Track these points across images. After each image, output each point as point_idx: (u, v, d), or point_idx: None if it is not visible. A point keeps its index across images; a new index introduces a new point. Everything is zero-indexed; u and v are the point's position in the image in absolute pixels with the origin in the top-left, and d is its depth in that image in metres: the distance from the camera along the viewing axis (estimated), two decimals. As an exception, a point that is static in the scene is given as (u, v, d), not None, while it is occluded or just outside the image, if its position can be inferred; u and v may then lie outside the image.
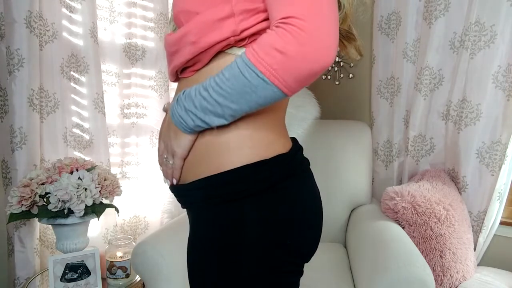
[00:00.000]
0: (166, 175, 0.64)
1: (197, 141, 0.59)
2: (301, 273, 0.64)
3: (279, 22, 0.48)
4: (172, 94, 1.77)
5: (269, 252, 0.56)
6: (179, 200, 0.66)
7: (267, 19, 0.55)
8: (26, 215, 1.13)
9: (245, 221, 0.56)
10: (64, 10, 1.33)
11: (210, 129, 0.56)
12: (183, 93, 0.56)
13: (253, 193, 0.56)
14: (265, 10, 0.54)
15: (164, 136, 0.62)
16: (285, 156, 0.59)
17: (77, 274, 1.19)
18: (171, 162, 0.61)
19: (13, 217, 1.10)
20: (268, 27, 0.53)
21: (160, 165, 0.65)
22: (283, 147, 0.60)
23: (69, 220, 1.15)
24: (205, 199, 0.58)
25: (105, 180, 1.23)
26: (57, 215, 1.13)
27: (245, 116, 0.55)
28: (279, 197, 0.57)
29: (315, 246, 0.65)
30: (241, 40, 0.56)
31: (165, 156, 0.62)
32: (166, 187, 1.71)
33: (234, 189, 0.56)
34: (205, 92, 0.53)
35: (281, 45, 0.47)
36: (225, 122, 0.54)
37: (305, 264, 0.65)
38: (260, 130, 0.58)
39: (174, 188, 0.64)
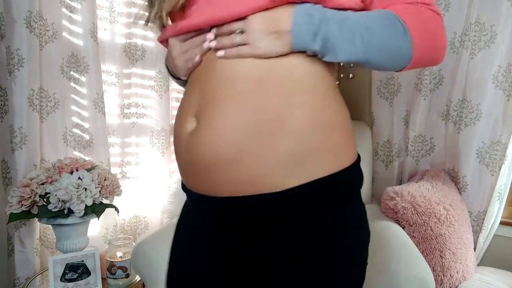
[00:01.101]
0: (219, 45, 0.53)
1: (302, 139, 0.51)
2: None
3: (423, 3, 0.51)
4: (172, 94, 1.77)
5: (366, 249, 0.60)
6: (260, 212, 0.53)
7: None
8: (26, 215, 1.13)
9: (361, 223, 0.58)
10: (64, 10, 1.33)
11: (314, 130, 0.51)
12: (322, 14, 0.49)
13: (354, 194, 0.57)
14: None
15: (263, 25, 0.50)
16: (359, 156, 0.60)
17: (77, 274, 1.19)
18: (238, 39, 0.51)
19: (13, 217, 1.10)
20: None
21: (221, 33, 0.53)
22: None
23: (69, 220, 1.15)
24: (322, 202, 0.53)
25: (105, 180, 1.23)
26: (57, 215, 1.13)
27: (338, 115, 0.55)
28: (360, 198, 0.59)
29: None
30: None
31: (239, 32, 0.51)
32: (166, 187, 1.71)
33: (346, 190, 0.55)
34: (356, 27, 0.49)
35: (435, 28, 0.50)
36: (344, 61, 0.52)
37: None
38: (350, 130, 0.58)
39: (263, 198, 0.52)
